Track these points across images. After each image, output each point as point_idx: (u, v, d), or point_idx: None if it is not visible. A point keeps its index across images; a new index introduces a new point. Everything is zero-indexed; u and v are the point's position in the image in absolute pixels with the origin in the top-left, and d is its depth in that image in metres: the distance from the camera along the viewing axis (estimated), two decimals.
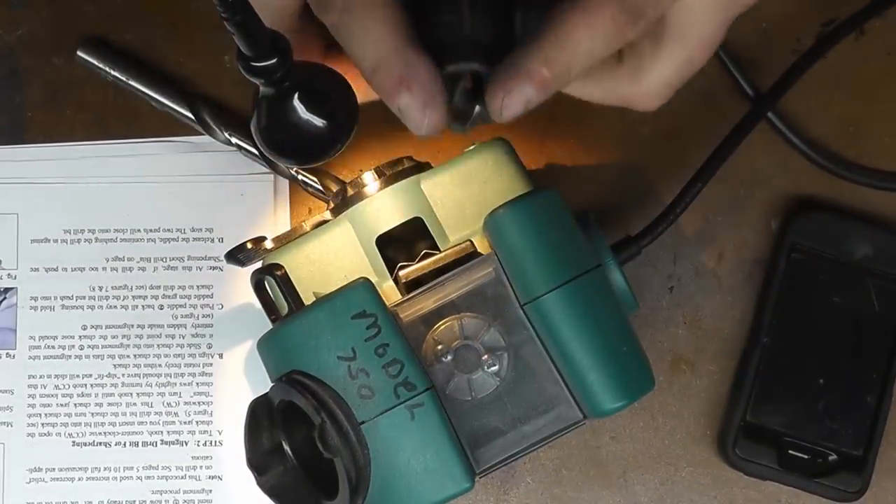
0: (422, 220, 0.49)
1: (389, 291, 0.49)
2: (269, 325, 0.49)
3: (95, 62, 0.58)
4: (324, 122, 0.46)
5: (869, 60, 0.60)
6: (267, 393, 0.48)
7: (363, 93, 0.45)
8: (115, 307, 0.58)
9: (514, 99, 0.43)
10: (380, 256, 0.49)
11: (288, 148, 0.46)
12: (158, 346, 0.58)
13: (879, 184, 0.59)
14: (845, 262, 0.58)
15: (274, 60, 0.42)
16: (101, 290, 0.58)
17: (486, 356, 0.48)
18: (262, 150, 0.47)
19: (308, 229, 0.50)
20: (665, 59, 0.46)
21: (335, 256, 0.49)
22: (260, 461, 0.47)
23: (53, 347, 0.58)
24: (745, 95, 0.59)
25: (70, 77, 0.59)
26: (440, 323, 0.48)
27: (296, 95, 0.45)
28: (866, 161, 0.60)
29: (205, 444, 0.58)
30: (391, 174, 0.50)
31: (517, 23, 0.45)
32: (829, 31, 0.58)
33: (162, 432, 0.58)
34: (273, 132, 0.46)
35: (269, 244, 0.50)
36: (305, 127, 0.45)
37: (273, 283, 0.49)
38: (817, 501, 0.58)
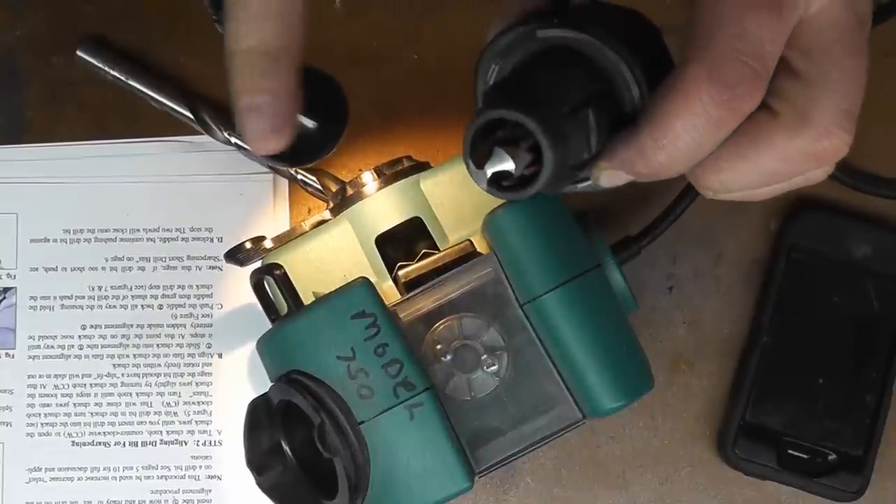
0: (421, 219, 0.49)
1: (389, 291, 0.49)
2: (269, 325, 0.49)
3: (95, 62, 0.58)
4: (315, 123, 0.46)
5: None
6: (266, 393, 0.48)
7: None
8: (115, 307, 0.58)
9: (612, 179, 0.39)
10: (379, 256, 0.49)
11: None
12: (158, 345, 0.58)
13: (879, 191, 0.59)
14: (845, 262, 0.58)
15: None
16: (100, 289, 0.58)
17: (485, 356, 0.48)
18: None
19: (307, 229, 0.50)
20: (822, 86, 0.38)
21: (334, 256, 0.49)
22: (259, 461, 0.47)
23: (53, 347, 0.58)
24: None
25: (70, 77, 0.59)
26: (440, 323, 0.48)
27: None
28: (866, 162, 0.60)
29: (204, 444, 0.58)
30: (390, 174, 0.50)
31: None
32: None
33: (161, 432, 0.58)
34: None
35: (268, 244, 0.50)
36: (296, 128, 0.45)
37: (272, 283, 0.49)
38: (817, 501, 0.58)
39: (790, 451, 0.57)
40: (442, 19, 0.60)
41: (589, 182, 0.41)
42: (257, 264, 0.51)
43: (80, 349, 0.58)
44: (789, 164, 0.39)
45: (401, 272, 0.49)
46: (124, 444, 0.58)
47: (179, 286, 0.59)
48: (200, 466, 0.58)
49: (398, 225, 0.49)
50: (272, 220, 0.59)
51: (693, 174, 0.40)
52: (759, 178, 0.40)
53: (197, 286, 0.59)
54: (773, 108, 0.38)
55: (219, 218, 0.59)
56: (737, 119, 0.36)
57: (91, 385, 0.58)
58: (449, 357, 0.48)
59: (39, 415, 0.58)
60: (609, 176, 0.39)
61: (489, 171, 0.36)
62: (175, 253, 0.59)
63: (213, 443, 0.58)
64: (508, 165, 0.36)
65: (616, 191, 0.60)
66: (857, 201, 0.59)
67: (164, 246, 0.59)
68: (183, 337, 0.58)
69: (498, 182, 0.37)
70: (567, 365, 0.47)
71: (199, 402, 0.58)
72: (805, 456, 0.57)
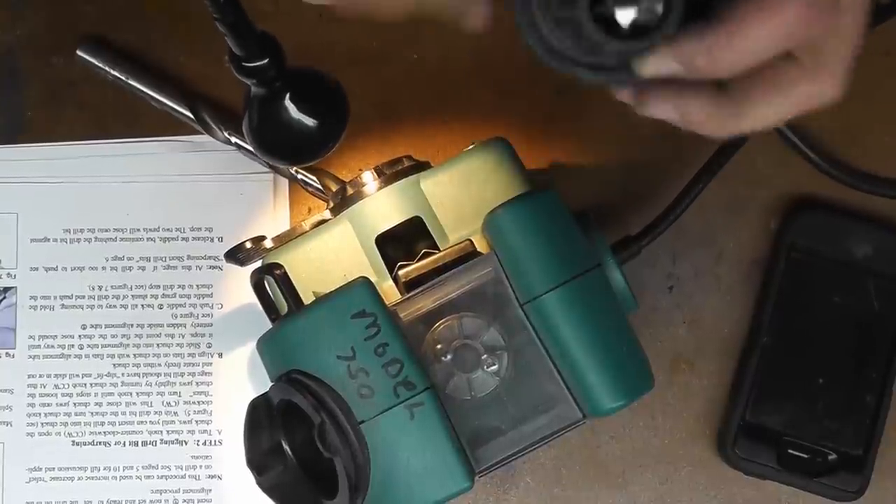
0: (421, 219, 0.49)
1: (389, 291, 0.49)
2: (269, 325, 0.49)
3: (95, 62, 0.58)
4: (315, 122, 0.46)
5: (868, 60, 0.60)
6: (267, 392, 0.48)
7: None
8: (115, 306, 0.58)
9: (657, 67, 0.39)
10: (379, 256, 0.49)
11: (279, 147, 0.46)
12: (158, 345, 0.58)
13: (880, 190, 0.59)
14: (845, 262, 0.58)
15: (265, 61, 0.43)
16: (100, 289, 0.58)
17: (485, 355, 0.48)
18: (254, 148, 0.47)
19: (307, 229, 0.50)
20: (837, 36, 0.39)
21: (335, 256, 0.49)
22: (259, 460, 0.47)
23: (53, 347, 0.58)
24: None
25: (70, 77, 0.59)
26: (440, 322, 0.48)
27: (287, 95, 0.45)
28: (866, 161, 0.60)
29: (204, 444, 0.58)
30: (391, 173, 0.50)
31: None
32: None
33: (161, 432, 0.58)
34: (264, 132, 0.46)
35: (268, 243, 0.50)
36: (297, 127, 0.45)
37: (273, 283, 0.49)
38: (817, 501, 0.58)
39: (790, 451, 0.57)
40: None
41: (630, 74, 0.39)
42: (257, 264, 0.51)
43: (80, 349, 0.58)
44: (797, 107, 0.41)
45: (401, 272, 0.49)
46: (124, 444, 0.58)
47: (179, 286, 0.59)
48: (200, 466, 0.58)
49: (398, 225, 0.49)
50: (272, 219, 0.59)
51: (709, 116, 0.40)
52: (772, 121, 0.41)
53: (197, 286, 0.59)
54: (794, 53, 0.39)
55: (219, 218, 0.59)
56: (800, 40, 0.38)
57: (91, 385, 0.58)
58: (449, 357, 0.48)
59: (39, 414, 0.58)
60: (657, 63, 0.39)
61: (627, 16, 0.35)
62: (175, 253, 0.59)
63: (213, 442, 0.58)
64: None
65: (616, 190, 0.60)
66: (856, 201, 0.59)
67: (164, 246, 0.59)
68: (183, 337, 0.58)
69: (615, 29, 0.35)
70: (567, 365, 0.47)
71: (199, 402, 0.58)
72: (805, 456, 0.57)
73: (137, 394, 0.58)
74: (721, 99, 0.40)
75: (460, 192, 0.49)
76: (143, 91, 0.58)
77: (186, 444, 0.58)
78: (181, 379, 0.58)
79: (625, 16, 0.35)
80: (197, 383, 0.58)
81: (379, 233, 0.49)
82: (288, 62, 0.45)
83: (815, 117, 0.59)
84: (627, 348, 0.48)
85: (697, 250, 0.60)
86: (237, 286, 0.58)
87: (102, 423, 0.58)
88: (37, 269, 0.59)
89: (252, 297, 0.49)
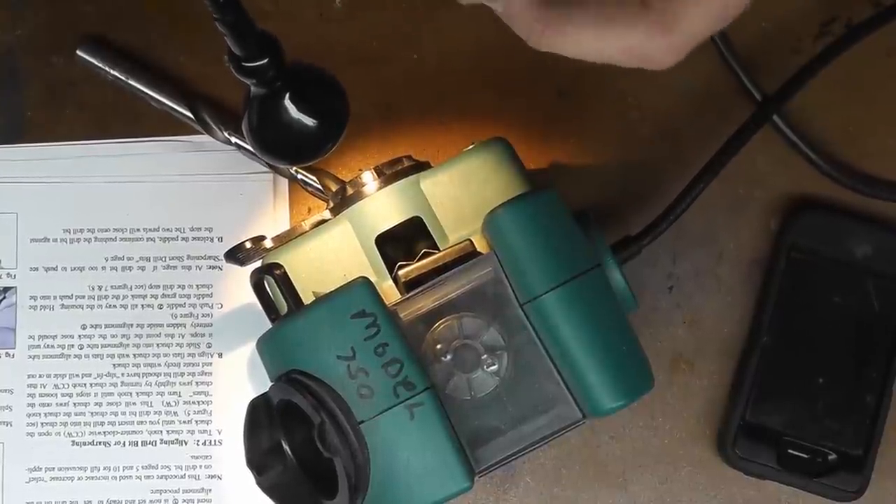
0: (421, 219, 0.49)
1: (389, 291, 0.49)
2: (269, 325, 0.49)
3: (95, 62, 0.58)
4: (315, 121, 0.46)
5: (869, 61, 0.60)
6: (266, 392, 0.48)
7: None
8: (115, 306, 0.58)
9: None
10: (379, 256, 0.49)
11: (279, 147, 0.46)
12: (158, 345, 0.58)
13: (881, 194, 0.59)
14: (845, 262, 0.58)
15: (265, 60, 0.42)
16: (100, 289, 0.58)
17: (485, 355, 0.48)
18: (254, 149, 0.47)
19: (307, 229, 0.50)
20: (701, 5, 0.39)
21: (334, 256, 0.49)
22: (259, 460, 0.47)
23: (53, 347, 0.58)
24: (748, 96, 0.59)
25: (70, 77, 0.59)
26: (440, 322, 0.48)
27: (287, 95, 0.45)
28: (868, 163, 0.60)
29: (204, 444, 0.58)
30: (390, 173, 0.50)
31: None
32: (846, 31, 0.58)
33: (161, 432, 0.58)
34: (264, 131, 0.46)
35: (268, 243, 0.50)
36: (297, 126, 0.45)
37: (272, 283, 0.49)
38: (817, 501, 0.58)
39: (790, 451, 0.57)
40: (442, 19, 0.60)
41: None
42: (257, 264, 0.51)
43: (80, 349, 0.58)
44: (624, 56, 0.39)
45: (401, 272, 0.49)
46: (124, 444, 0.58)
47: (179, 286, 0.59)
48: (200, 466, 0.58)
49: (398, 225, 0.49)
50: (272, 219, 0.59)
51: (530, 26, 0.40)
52: (591, 54, 0.40)
53: (197, 286, 0.59)
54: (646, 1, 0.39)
55: (219, 218, 0.59)
56: None
57: (91, 385, 0.58)
58: (449, 357, 0.48)
59: (39, 414, 0.58)
60: None
61: None
62: (175, 253, 0.59)
63: (213, 442, 0.58)
64: None
65: (616, 190, 0.60)
66: (857, 201, 0.59)
67: (164, 246, 0.59)
68: (183, 337, 0.58)
69: None
70: (567, 365, 0.47)
71: (199, 402, 0.58)
72: (805, 456, 0.57)
73: (137, 394, 0.58)
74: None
75: (460, 192, 0.49)
76: (143, 91, 0.58)
77: (186, 444, 0.58)
78: (181, 379, 0.58)
79: None
80: (197, 383, 0.58)
81: (379, 233, 0.49)
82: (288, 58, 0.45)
83: (816, 118, 0.60)
84: (627, 348, 0.48)
85: (697, 250, 0.60)
86: (237, 286, 0.58)
87: (102, 423, 0.58)
88: (37, 269, 0.59)
89: (252, 297, 0.49)
